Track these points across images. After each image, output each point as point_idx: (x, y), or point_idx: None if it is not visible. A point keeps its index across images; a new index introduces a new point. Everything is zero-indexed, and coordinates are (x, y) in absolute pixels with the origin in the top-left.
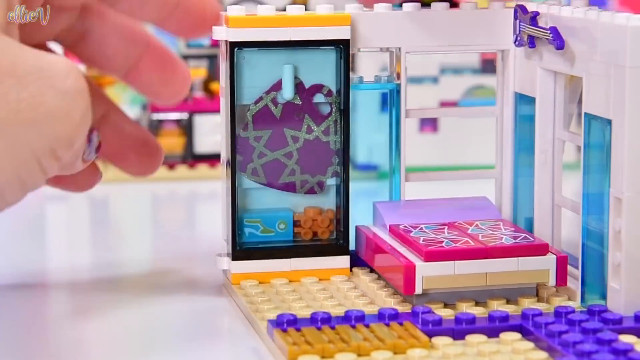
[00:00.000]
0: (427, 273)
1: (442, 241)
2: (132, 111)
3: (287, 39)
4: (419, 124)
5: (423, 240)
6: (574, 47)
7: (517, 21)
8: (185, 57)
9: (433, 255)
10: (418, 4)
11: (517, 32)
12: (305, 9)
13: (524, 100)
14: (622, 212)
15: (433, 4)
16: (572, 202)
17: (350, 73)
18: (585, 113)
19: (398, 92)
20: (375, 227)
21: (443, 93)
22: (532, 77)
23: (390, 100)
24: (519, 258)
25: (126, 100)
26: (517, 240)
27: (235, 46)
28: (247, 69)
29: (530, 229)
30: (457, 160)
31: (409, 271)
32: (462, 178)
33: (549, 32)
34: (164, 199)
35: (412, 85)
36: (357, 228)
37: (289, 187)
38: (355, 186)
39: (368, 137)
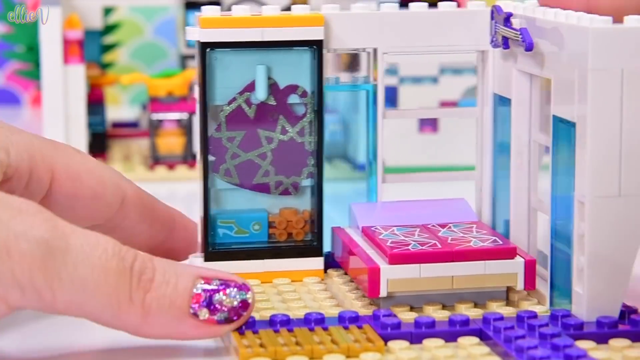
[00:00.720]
0: (391, 276)
1: (409, 243)
2: (132, 111)
3: (260, 39)
4: (419, 124)
5: (390, 243)
6: (544, 48)
7: (493, 22)
8: (185, 57)
9: (398, 258)
10: (396, 4)
11: (493, 33)
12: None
13: (502, 102)
14: (584, 216)
15: (411, 4)
16: (547, 205)
17: (353, 73)
18: (554, 115)
19: (375, 93)
20: (350, 228)
21: (443, 93)
22: (509, 78)
23: (367, 102)
24: (486, 261)
25: (126, 100)
26: (485, 244)
27: (207, 47)
28: (219, 69)
29: (508, 231)
30: (455, 161)
31: (374, 274)
32: (442, 179)
33: (518, 32)
34: (164, 199)
35: (412, 85)
36: (332, 229)
37: (263, 188)
38: (354, 186)
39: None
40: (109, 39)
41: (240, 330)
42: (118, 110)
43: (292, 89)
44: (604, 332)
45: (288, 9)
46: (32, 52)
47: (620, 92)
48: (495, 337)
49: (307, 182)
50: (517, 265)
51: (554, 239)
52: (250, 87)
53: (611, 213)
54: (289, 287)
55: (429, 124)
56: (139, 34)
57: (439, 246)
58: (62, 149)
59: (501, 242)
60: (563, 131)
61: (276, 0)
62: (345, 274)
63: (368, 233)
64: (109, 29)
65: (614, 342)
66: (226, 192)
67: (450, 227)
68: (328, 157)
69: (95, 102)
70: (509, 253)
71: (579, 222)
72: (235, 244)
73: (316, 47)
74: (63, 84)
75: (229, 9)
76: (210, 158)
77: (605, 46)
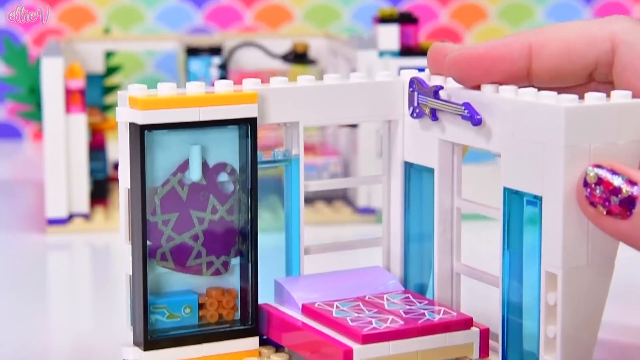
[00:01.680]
0: (364, 356)
1: (370, 321)
2: None
3: (197, 119)
4: None
5: (352, 321)
6: (489, 121)
7: (415, 93)
8: None
9: (370, 338)
10: (313, 77)
11: (415, 105)
12: (305, 57)
13: (414, 169)
14: (557, 286)
15: (325, 76)
16: (469, 269)
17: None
18: (505, 187)
19: (295, 166)
20: (282, 305)
21: None
22: (429, 147)
23: (287, 175)
24: (446, 334)
25: None
26: (441, 316)
27: (145, 129)
28: (157, 151)
29: (422, 294)
30: None
31: (347, 355)
32: (353, 248)
33: (462, 107)
34: None
35: None
36: (261, 307)
37: (196, 270)
38: (355, 230)
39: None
40: (110, 81)
41: None
42: None
43: (221, 167)
44: None
45: (290, 53)
46: (34, 94)
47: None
48: None
49: (235, 261)
50: (473, 335)
51: (505, 310)
52: (183, 167)
53: (581, 282)
54: None
55: None
56: (140, 67)
57: (401, 322)
58: None
59: (455, 314)
60: (516, 203)
61: (279, 44)
62: (277, 350)
63: (312, 310)
64: (111, 70)
65: None
66: (158, 276)
67: (388, 299)
68: (329, 199)
69: (96, 148)
70: (467, 324)
71: (547, 292)
72: (170, 329)
73: (250, 124)
74: (65, 133)
75: (231, 53)
76: (148, 243)
77: (576, 124)
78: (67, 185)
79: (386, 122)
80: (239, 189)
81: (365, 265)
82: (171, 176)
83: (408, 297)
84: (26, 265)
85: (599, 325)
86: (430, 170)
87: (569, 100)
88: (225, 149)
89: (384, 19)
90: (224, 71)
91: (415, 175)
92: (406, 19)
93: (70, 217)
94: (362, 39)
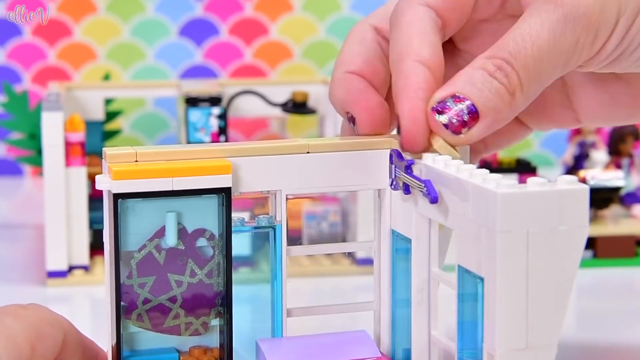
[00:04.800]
0: None
1: None
2: None
3: (170, 189)
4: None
5: None
6: (447, 200)
7: (393, 166)
8: None
9: None
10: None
11: (393, 177)
12: (304, 106)
13: (400, 238)
14: None
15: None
16: (445, 341)
17: None
18: (459, 266)
19: (279, 232)
20: None
21: None
22: (408, 218)
23: (272, 241)
24: None
25: None
26: None
27: (118, 197)
28: (131, 217)
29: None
30: None
31: None
32: (343, 311)
33: (423, 185)
34: None
35: None
36: None
37: (174, 331)
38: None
39: (366, 233)
40: (110, 126)
41: None
42: None
43: (200, 232)
44: None
45: (289, 102)
46: (34, 140)
47: (526, 251)
48: None
49: (215, 322)
50: None
51: None
52: (160, 233)
53: None
54: None
55: None
56: (140, 106)
57: None
58: None
59: None
60: (468, 282)
61: (279, 92)
62: None
63: None
64: (111, 116)
65: None
66: (136, 334)
67: None
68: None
69: (96, 197)
70: None
71: None
72: None
73: (224, 194)
74: (65, 186)
75: (230, 101)
76: (122, 304)
77: (512, 209)
78: (67, 238)
79: (375, 190)
80: (218, 253)
81: (356, 325)
82: (147, 242)
83: None
84: None
85: None
86: (410, 240)
87: (508, 186)
88: (204, 215)
89: None
90: (223, 121)
91: (401, 243)
92: None
93: (70, 269)
94: None
